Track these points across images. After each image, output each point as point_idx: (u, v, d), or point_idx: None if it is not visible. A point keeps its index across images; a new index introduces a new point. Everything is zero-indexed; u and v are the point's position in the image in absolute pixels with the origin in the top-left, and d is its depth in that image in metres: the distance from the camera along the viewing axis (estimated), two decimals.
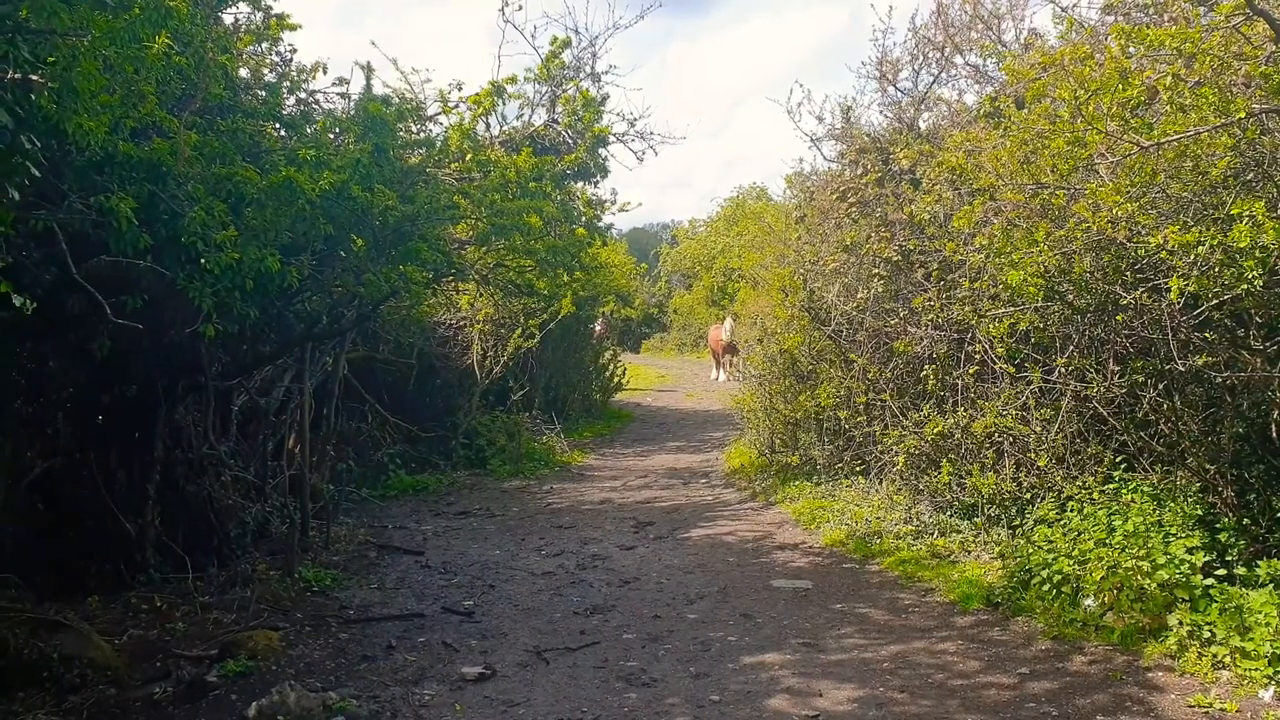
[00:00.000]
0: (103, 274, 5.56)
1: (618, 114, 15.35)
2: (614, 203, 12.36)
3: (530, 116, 11.45)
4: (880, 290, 10.36)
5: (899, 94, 11.52)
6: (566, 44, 11.43)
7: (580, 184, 11.99)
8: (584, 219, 10.85)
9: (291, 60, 8.29)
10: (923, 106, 11.40)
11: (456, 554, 9.66)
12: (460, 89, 9.55)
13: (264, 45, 8.54)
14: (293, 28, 8.43)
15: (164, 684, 6.15)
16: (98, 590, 7.73)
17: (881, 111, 12.12)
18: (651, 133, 11.98)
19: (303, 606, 7.77)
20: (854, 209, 10.62)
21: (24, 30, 4.28)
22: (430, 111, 9.58)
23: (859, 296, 10.67)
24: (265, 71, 8.53)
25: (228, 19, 8.21)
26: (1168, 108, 5.84)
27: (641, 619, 7.51)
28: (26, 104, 4.43)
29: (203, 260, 5.50)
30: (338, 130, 7.51)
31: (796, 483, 11.99)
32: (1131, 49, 5.99)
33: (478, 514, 11.67)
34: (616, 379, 22.16)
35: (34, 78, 4.30)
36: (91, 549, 7.89)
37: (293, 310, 8.46)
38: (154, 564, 8.19)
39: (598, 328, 22.38)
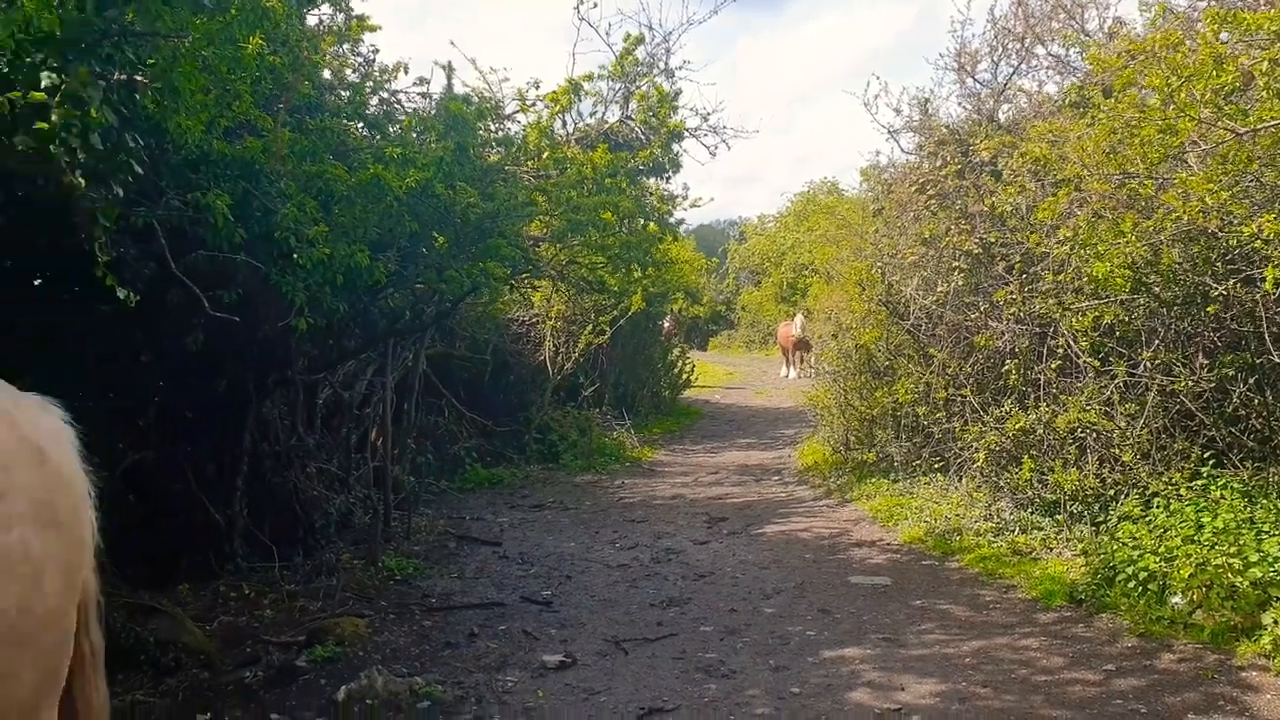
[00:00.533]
0: (199, 269, 5.73)
1: (691, 109, 15.37)
2: (685, 198, 12.38)
3: (604, 113, 11.53)
4: (960, 284, 10.23)
5: (978, 85, 11.38)
6: (640, 40, 11.48)
7: (653, 180, 12.03)
8: (656, 215, 10.89)
9: (374, 61, 8.45)
10: (1002, 98, 11.23)
11: (533, 545, 9.77)
12: (538, 87, 9.65)
13: (345, 46, 8.71)
14: (373, 29, 8.57)
15: (255, 669, 6.31)
16: (188, 579, 7.96)
17: (960, 103, 11.99)
18: (725, 127, 11.99)
19: (386, 594, 7.93)
20: (933, 201, 10.50)
21: (129, 33, 4.44)
22: (508, 110, 9.70)
23: (938, 290, 10.55)
24: (348, 72, 8.71)
25: (311, 20, 8.39)
26: (1264, 93, 5.70)
27: (718, 612, 7.52)
28: (131, 104, 4.60)
29: (295, 256, 5.65)
30: (420, 129, 7.64)
31: (873, 480, 11.90)
32: (1225, 34, 5.85)
33: (552, 507, 11.79)
34: (685, 376, 22.17)
35: (138, 78, 4.45)
36: (182, 539, 8.11)
37: (377, 306, 8.64)
38: (242, 553, 8.40)
39: (666, 324, 22.42)
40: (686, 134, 11.65)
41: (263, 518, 8.71)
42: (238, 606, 7.52)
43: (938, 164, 10.72)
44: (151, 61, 4.70)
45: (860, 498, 11.52)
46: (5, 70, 4.21)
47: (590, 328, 15.99)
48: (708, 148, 12.08)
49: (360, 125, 7.97)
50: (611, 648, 6.70)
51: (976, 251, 9.95)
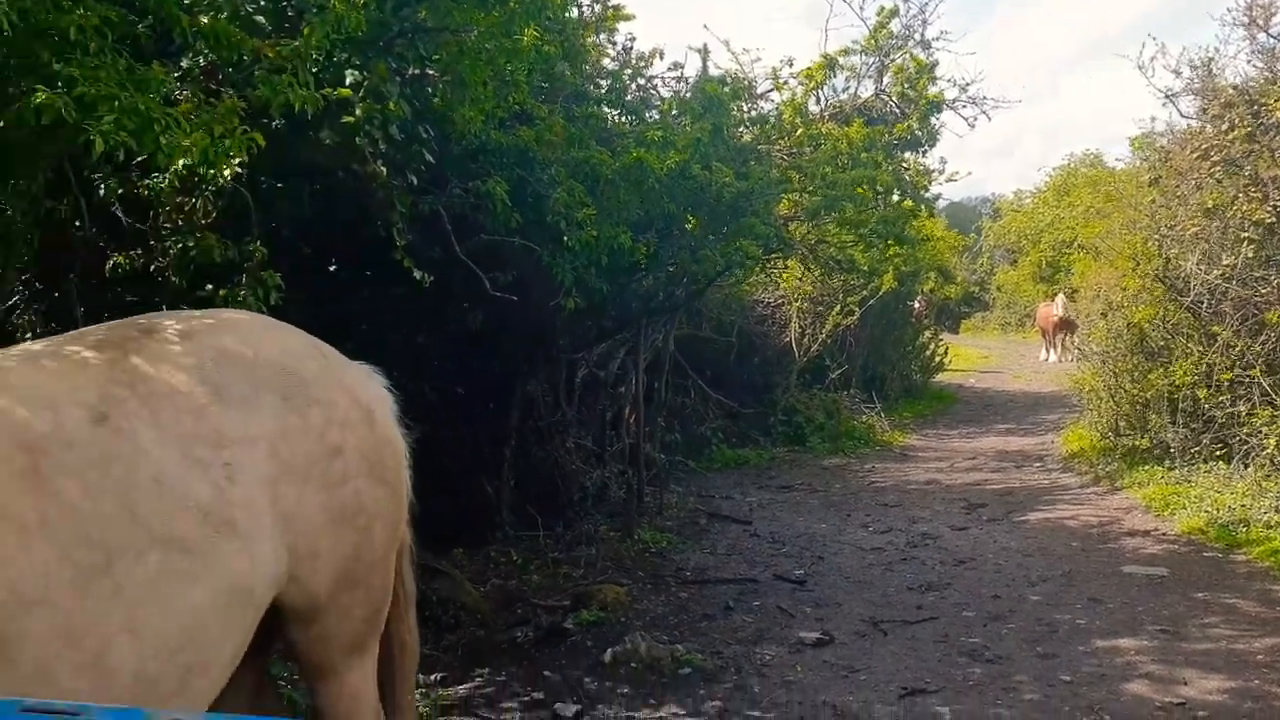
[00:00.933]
0: (479, 253, 6.11)
1: (949, 80, 14.78)
2: (942, 172, 12.02)
3: (857, 88, 11.38)
4: (1249, 256, 9.41)
5: (1272, 40, 10.37)
6: (894, 13, 11.25)
7: (908, 154, 11.75)
8: (911, 190, 10.63)
9: (631, 49, 8.70)
10: None
11: (783, 525, 9.81)
12: (791, 65, 9.64)
13: (602, 36, 9.01)
14: (627, 18, 8.81)
15: (525, 629, 6.68)
16: (463, 544, 8.51)
17: (1250, 61, 10.97)
18: (984, 98, 11.55)
19: (642, 565, 8.19)
20: (1218, 168, 9.70)
21: (420, 30, 4.79)
22: (760, 90, 9.74)
23: (1223, 264, 9.75)
24: (605, 61, 9.00)
25: (572, 12, 8.73)
26: None
27: (980, 598, 7.31)
28: (421, 97, 4.97)
29: (565, 238, 5.93)
30: (677, 112, 7.81)
31: (1145, 467, 11.17)
32: None
33: (800, 489, 11.77)
34: (937, 358, 21.50)
35: (429, 72, 4.80)
36: (459, 509, 8.66)
37: (632, 287, 8.90)
38: (509, 522, 8.89)
39: (917, 305, 21.78)
40: (945, 106, 11.32)
41: (527, 489, 9.17)
42: (507, 571, 7.97)
43: (1224, 128, 9.87)
44: (437, 57, 5.05)
45: (1131, 485, 10.86)
46: (315, 71, 4.64)
47: (838, 308, 15.78)
48: (966, 119, 11.73)
49: (618, 112, 8.23)
50: (869, 628, 6.65)
51: (1269, 221, 9.12)
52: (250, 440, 2.46)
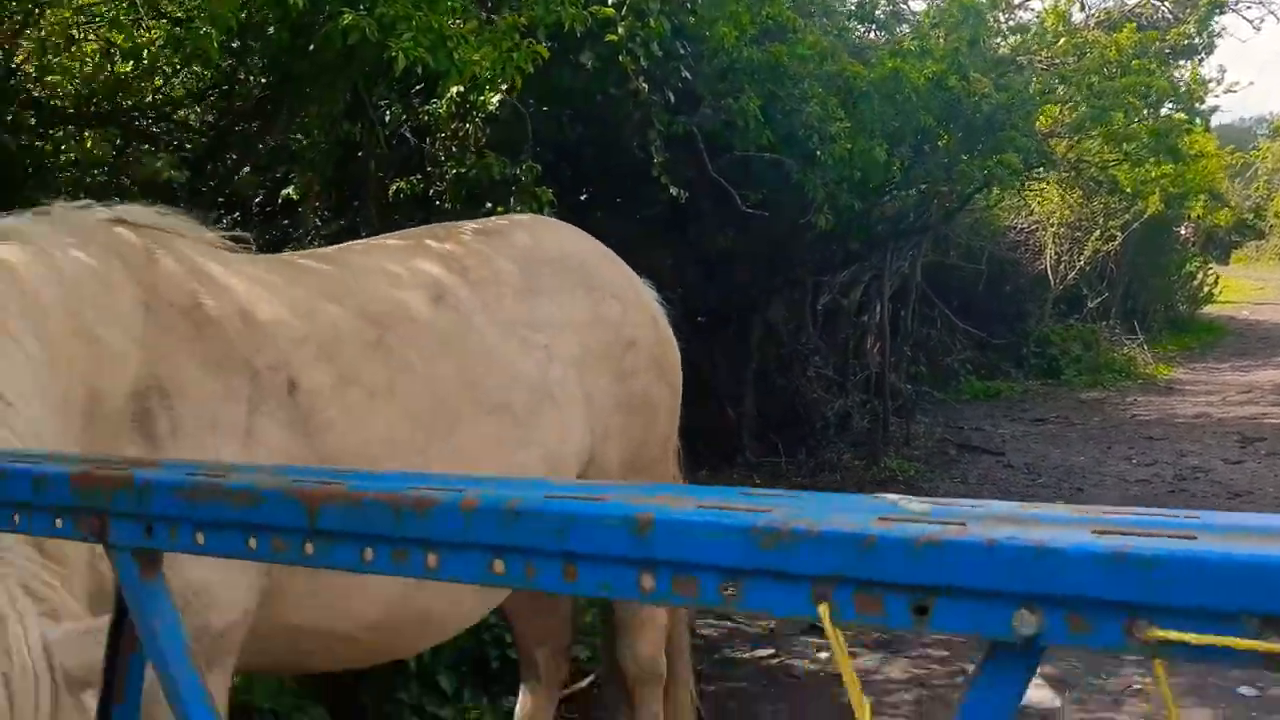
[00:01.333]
0: (728, 171, 6.13)
1: None
2: (1219, 82, 10.96)
3: None
4: None
5: None
6: None
7: (1183, 63, 10.80)
8: (1185, 102, 9.79)
9: None
10: None
11: (1037, 457, 9.46)
12: None
13: None
14: None
15: None
16: (705, 466, 8.68)
17: None
18: None
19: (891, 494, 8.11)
20: None
21: None
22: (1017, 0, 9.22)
23: None
24: None
25: None
26: None
27: None
28: (680, 14, 5.01)
29: (817, 153, 5.86)
30: (930, 23, 7.54)
31: None
32: None
33: (1055, 421, 11.30)
34: (1205, 289, 19.92)
35: None
36: (701, 433, 8.81)
37: (880, 209, 8.70)
38: (750, 448, 8.98)
39: (1184, 232, 20.20)
40: (1226, 7, 10.30)
41: (768, 416, 9.22)
42: None
43: None
44: None
45: None
46: None
47: (1097, 233, 14.81)
48: (1250, 22, 10.65)
49: (867, 27, 8.01)
50: None
51: None
52: (563, 326, 2.65)
